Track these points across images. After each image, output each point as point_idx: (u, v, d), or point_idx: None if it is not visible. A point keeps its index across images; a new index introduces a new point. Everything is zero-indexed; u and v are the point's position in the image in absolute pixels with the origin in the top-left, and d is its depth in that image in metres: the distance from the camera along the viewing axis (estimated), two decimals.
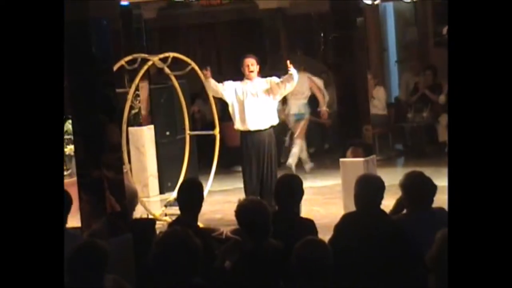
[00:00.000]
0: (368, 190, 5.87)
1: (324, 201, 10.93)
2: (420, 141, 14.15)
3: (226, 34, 16.71)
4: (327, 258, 4.76)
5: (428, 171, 6.21)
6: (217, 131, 10.77)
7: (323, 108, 13.45)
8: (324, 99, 13.43)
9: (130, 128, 11.82)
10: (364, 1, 11.62)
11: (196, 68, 10.47)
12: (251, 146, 9.64)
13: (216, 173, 10.79)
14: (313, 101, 13.51)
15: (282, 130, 13.73)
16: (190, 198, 6.30)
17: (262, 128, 9.67)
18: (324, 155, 14.07)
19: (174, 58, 10.45)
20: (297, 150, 13.18)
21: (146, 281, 5.32)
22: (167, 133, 12.66)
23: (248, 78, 9.72)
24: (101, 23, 6.03)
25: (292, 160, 13.09)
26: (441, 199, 5.93)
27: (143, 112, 12.47)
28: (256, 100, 9.65)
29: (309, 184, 11.51)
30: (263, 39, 15.39)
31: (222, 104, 10.68)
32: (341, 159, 8.92)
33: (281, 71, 10.16)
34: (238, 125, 9.75)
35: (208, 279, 4.96)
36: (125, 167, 9.12)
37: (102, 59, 6.03)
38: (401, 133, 14.56)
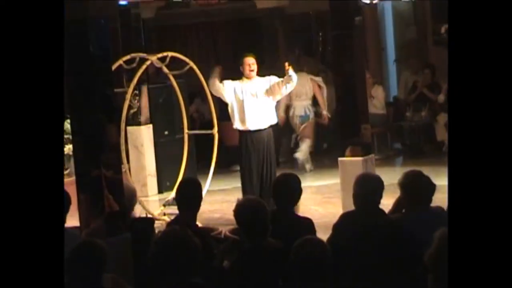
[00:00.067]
0: (367, 189, 5.87)
1: (323, 200, 10.93)
2: (418, 140, 14.15)
3: (224, 33, 16.69)
4: (326, 257, 4.75)
5: (426, 170, 6.21)
6: (215, 131, 10.76)
7: (324, 112, 13.46)
8: (324, 102, 13.45)
9: (128, 128, 11.82)
10: (363, 0, 11.63)
11: (195, 67, 10.47)
12: (251, 145, 9.64)
13: (214, 172, 10.78)
14: (314, 101, 13.54)
15: (287, 131, 13.78)
16: (189, 197, 6.30)
17: (261, 127, 9.67)
18: (322, 154, 14.06)
19: (172, 57, 10.44)
20: (306, 146, 13.29)
21: (145, 281, 5.31)
22: (166, 132, 12.65)
23: (247, 77, 9.71)
24: (100, 22, 6.03)
25: (299, 155, 13.21)
26: (439, 198, 5.94)
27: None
28: (255, 100, 9.65)
29: (308, 183, 11.52)
30: (261, 38, 15.38)
31: (221, 104, 10.67)
32: (339, 158, 8.93)
33: (279, 70, 10.15)
34: (237, 125, 9.74)
35: (207, 278, 4.96)
36: (124, 167, 9.12)
37: (100, 59, 6.03)
38: (400, 132, 14.56)
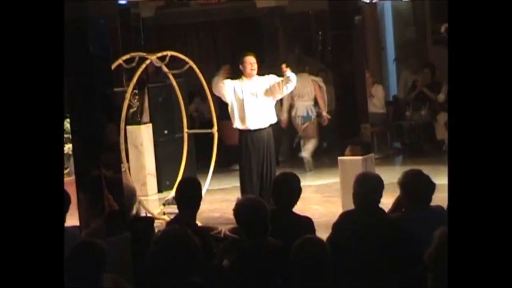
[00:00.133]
0: (366, 188, 5.87)
1: (323, 199, 10.93)
2: (418, 139, 14.16)
3: (224, 32, 16.69)
4: (326, 256, 4.75)
5: (426, 169, 6.21)
6: (215, 130, 10.76)
7: (324, 114, 13.46)
8: (325, 103, 13.46)
9: (128, 127, 11.82)
10: None
11: (194, 66, 10.47)
12: (251, 145, 9.63)
13: (214, 171, 10.78)
14: (316, 102, 13.58)
15: (288, 131, 13.80)
16: (189, 196, 6.30)
17: (262, 127, 9.66)
18: (322, 153, 14.06)
19: (172, 56, 10.44)
20: (311, 146, 13.42)
21: (145, 280, 5.31)
22: (165, 131, 12.65)
23: (247, 77, 9.71)
24: (99, 22, 6.03)
25: (305, 154, 13.33)
26: (439, 197, 5.94)
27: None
28: (255, 99, 9.64)
29: (307, 182, 11.53)
30: (261, 38, 15.37)
31: (221, 103, 10.67)
32: (339, 158, 8.93)
33: (279, 70, 10.15)
34: (237, 124, 9.73)
35: (206, 277, 4.96)
36: (123, 166, 9.12)
37: (100, 58, 6.03)
38: (400, 131, 14.57)
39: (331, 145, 13.74)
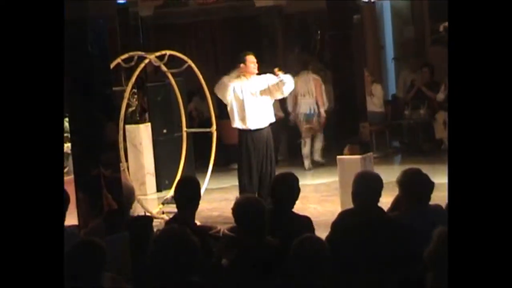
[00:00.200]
0: (365, 187, 5.87)
1: (321, 198, 10.93)
2: (417, 138, 14.16)
3: (222, 32, 16.69)
4: (325, 255, 4.76)
5: (425, 168, 6.21)
6: (214, 129, 10.76)
7: (321, 110, 13.48)
8: (324, 102, 13.48)
9: (127, 126, 11.82)
10: None
11: (193, 65, 10.47)
12: (251, 144, 9.62)
13: (213, 170, 10.78)
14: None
15: (289, 131, 13.83)
16: (187, 196, 6.30)
17: (262, 127, 9.66)
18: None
19: (170, 55, 10.43)
20: (319, 145, 13.56)
21: (144, 279, 5.31)
22: (164, 131, 12.65)
23: (247, 76, 9.70)
24: (98, 21, 6.02)
25: (316, 155, 13.53)
26: (438, 196, 5.94)
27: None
28: (255, 99, 9.63)
29: (306, 181, 11.53)
30: (260, 37, 15.37)
31: (220, 102, 10.67)
32: (338, 157, 8.94)
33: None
34: (237, 124, 9.70)
35: (205, 276, 4.96)
36: (122, 165, 9.12)
37: (99, 57, 6.02)
38: (398, 130, 14.57)
39: (330, 144, 13.75)
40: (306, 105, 13.44)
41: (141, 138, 12.42)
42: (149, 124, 12.53)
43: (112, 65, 8.06)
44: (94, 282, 4.75)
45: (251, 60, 9.66)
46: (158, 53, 10.38)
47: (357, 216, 5.82)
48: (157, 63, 10.50)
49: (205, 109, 12.93)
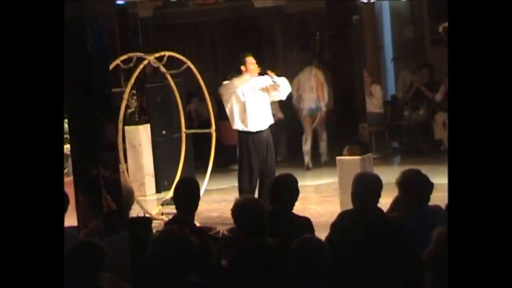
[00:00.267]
0: (365, 188, 5.87)
1: (321, 199, 10.93)
2: (416, 139, 14.15)
3: (222, 32, 16.69)
4: (324, 256, 4.75)
5: (424, 169, 6.21)
6: (213, 130, 10.76)
7: (323, 108, 13.50)
8: (325, 98, 13.49)
9: (126, 127, 11.82)
10: None
11: (192, 66, 10.47)
12: (251, 145, 9.59)
13: (212, 171, 10.79)
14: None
15: (289, 131, 13.84)
16: (187, 196, 6.30)
17: (262, 128, 9.64)
18: (320, 153, 14.06)
19: (170, 56, 10.44)
20: (324, 143, 13.60)
21: (143, 280, 5.31)
22: (164, 132, 12.65)
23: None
24: (97, 22, 6.02)
25: (322, 149, 13.61)
26: (438, 197, 5.94)
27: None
28: (256, 101, 9.60)
29: (306, 182, 11.53)
30: (259, 38, 15.37)
31: (219, 103, 10.66)
32: (337, 157, 8.94)
33: (276, 70, 10.16)
34: (238, 126, 9.65)
35: (204, 277, 4.96)
36: (122, 166, 9.11)
37: (98, 58, 6.02)
38: (398, 131, 14.56)
39: (329, 145, 13.76)
40: (309, 101, 13.47)
41: (140, 139, 12.42)
42: (148, 125, 12.53)
43: (111, 67, 8.06)
44: (94, 282, 4.75)
45: (250, 62, 9.64)
46: (157, 54, 10.38)
47: (356, 217, 5.82)
48: (156, 64, 10.50)
49: (204, 110, 12.92)
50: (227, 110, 9.72)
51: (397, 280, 5.31)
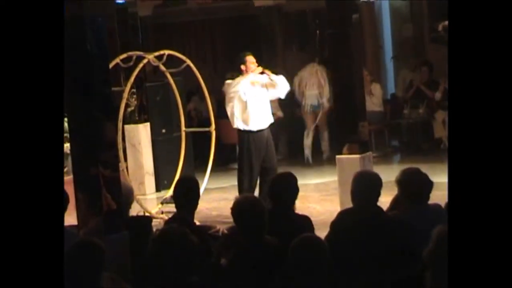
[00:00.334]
0: (365, 186, 5.87)
1: (321, 198, 10.93)
2: (416, 138, 14.15)
3: (221, 31, 16.69)
4: (324, 255, 4.75)
5: (424, 167, 6.21)
6: (213, 128, 10.76)
7: (324, 100, 13.52)
8: (326, 93, 13.50)
9: (126, 126, 11.81)
10: None
11: (192, 65, 10.46)
12: (252, 144, 9.57)
13: (212, 170, 10.78)
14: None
15: (288, 131, 13.84)
16: (187, 195, 6.30)
17: (263, 127, 9.64)
18: (320, 151, 14.07)
19: (169, 55, 10.43)
20: (326, 139, 13.63)
21: (143, 279, 5.31)
22: (163, 130, 12.64)
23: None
24: (97, 20, 6.02)
25: (324, 146, 13.62)
26: (437, 195, 5.94)
27: None
28: (256, 100, 9.59)
29: (305, 181, 11.52)
30: (259, 36, 15.37)
31: (218, 102, 10.66)
32: (337, 156, 8.93)
33: (276, 68, 10.15)
34: (238, 125, 9.63)
35: (204, 276, 4.96)
36: (121, 165, 9.11)
37: (98, 57, 6.02)
38: (397, 130, 14.56)
39: (330, 144, 13.77)
40: (313, 97, 13.49)
41: (140, 138, 12.42)
42: (148, 124, 12.53)
43: (110, 65, 8.06)
44: (93, 282, 4.75)
45: (251, 61, 9.63)
46: (156, 53, 10.37)
47: (356, 216, 5.82)
48: (155, 63, 10.50)
49: (204, 108, 12.92)
50: (228, 109, 9.70)
51: (397, 278, 5.31)
